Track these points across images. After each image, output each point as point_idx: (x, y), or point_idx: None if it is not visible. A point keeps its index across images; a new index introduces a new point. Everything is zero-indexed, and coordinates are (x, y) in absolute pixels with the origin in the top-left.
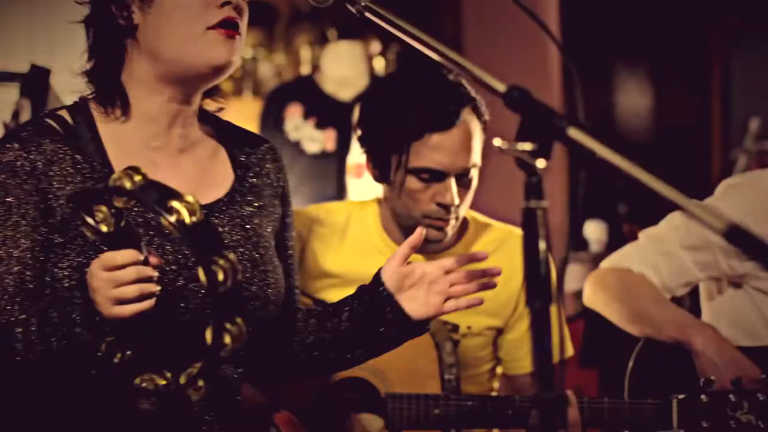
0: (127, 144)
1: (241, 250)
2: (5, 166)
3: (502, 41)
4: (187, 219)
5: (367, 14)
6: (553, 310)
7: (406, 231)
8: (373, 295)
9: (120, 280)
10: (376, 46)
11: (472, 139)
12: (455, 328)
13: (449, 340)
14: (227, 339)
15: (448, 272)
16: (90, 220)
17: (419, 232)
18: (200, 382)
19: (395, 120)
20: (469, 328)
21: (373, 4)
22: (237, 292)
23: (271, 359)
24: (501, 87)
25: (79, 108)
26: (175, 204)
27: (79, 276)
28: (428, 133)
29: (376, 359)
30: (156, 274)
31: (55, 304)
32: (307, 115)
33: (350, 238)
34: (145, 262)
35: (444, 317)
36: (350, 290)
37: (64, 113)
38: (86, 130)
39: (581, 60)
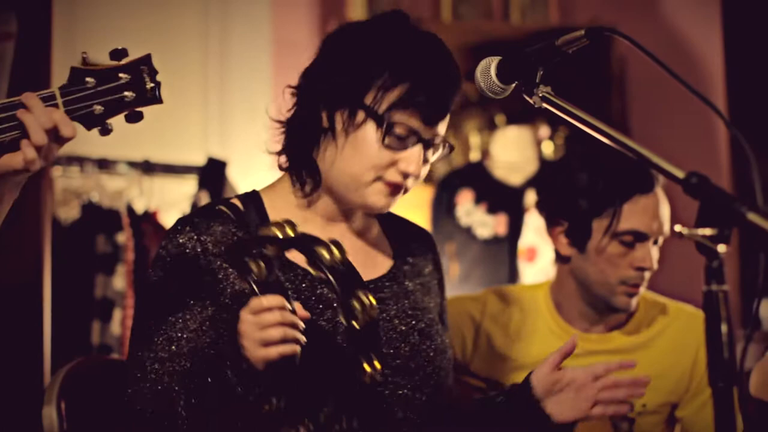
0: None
1: (406, 320)
2: (178, 249)
3: (668, 119)
4: (333, 260)
5: (545, 105)
6: (735, 391)
7: (592, 306)
8: (522, 398)
9: (265, 323)
10: (545, 131)
11: (664, 206)
12: (631, 407)
13: (625, 419)
14: (366, 377)
15: (596, 378)
16: (242, 271)
17: (572, 342)
18: (339, 425)
19: (605, 183)
20: (644, 406)
21: (550, 94)
22: (374, 331)
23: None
24: (680, 174)
25: (251, 196)
26: (323, 251)
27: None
28: (637, 195)
29: None
30: (302, 324)
31: (209, 365)
32: (478, 200)
33: (523, 320)
34: (293, 312)
35: None
36: (525, 373)
37: (236, 200)
38: (256, 215)
39: (750, 134)
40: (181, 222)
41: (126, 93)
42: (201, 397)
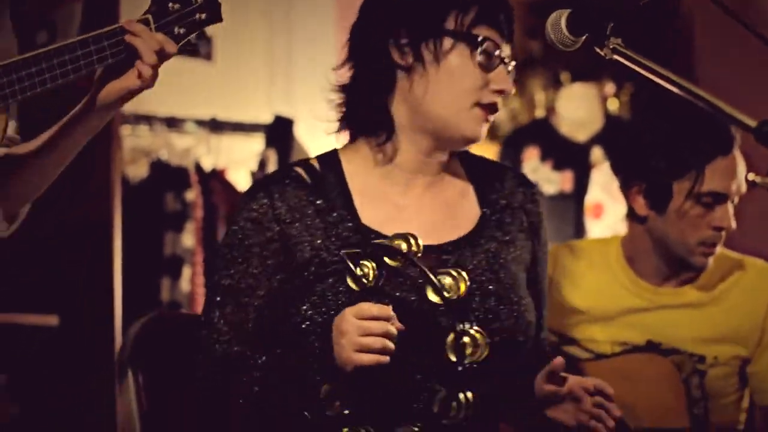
0: (373, 191)
1: (487, 285)
2: (250, 215)
3: (734, 69)
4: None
5: (616, 56)
6: None
7: (667, 263)
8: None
9: (369, 330)
10: (610, 88)
11: (741, 166)
12: (701, 359)
13: (696, 373)
14: (467, 350)
15: (591, 393)
16: (357, 271)
17: (559, 361)
18: (454, 407)
19: (687, 145)
20: (715, 358)
21: (621, 45)
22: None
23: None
24: (751, 122)
25: (329, 157)
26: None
27: (314, 322)
28: (719, 156)
29: (621, 395)
30: (395, 335)
31: (290, 344)
32: (544, 158)
33: (594, 274)
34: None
35: (690, 348)
36: (595, 326)
37: (313, 161)
38: (333, 178)
39: None
40: (256, 187)
41: (199, 15)
42: (273, 373)
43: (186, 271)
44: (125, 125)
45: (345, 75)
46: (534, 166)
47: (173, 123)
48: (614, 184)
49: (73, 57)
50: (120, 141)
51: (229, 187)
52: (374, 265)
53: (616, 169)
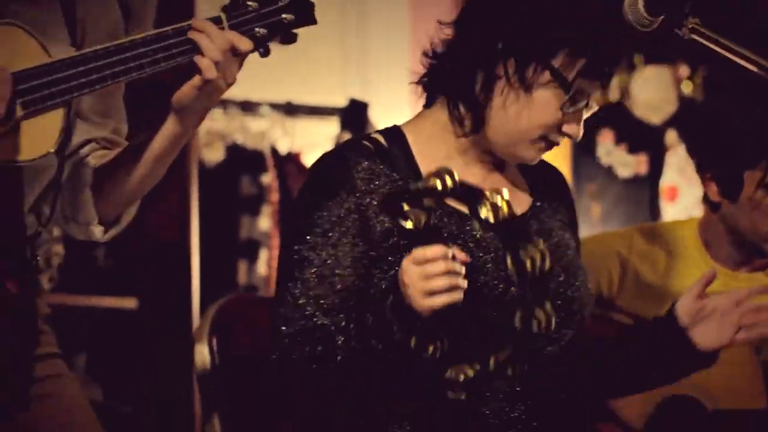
0: (439, 163)
1: (552, 258)
2: (327, 186)
3: None
4: (498, 214)
5: (694, 36)
6: None
7: (741, 249)
8: (667, 328)
9: (430, 274)
10: (684, 70)
11: None
12: None
13: None
14: (536, 324)
15: (738, 303)
16: (400, 219)
17: (713, 272)
18: (509, 370)
19: (759, 134)
20: None
21: (699, 25)
22: (545, 279)
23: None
24: None
25: (393, 132)
26: (484, 202)
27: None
28: None
29: (698, 376)
30: (463, 270)
31: (369, 308)
32: (618, 141)
33: (671, 257)
34: (453, 259)
35: None
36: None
37: (377, 136)
38: (399, 150)
39: None
40: (329, 156)
41: (285, 15)
42: (359, 338)
43: (263, 255)
44: None
45: (420, 60)
46: (608, 149)
47: (248, 106)
48: (689, 166)
49: (135, 55)
50: None
51: (304, 170)
52: (417, 208)
53: (691, 153)
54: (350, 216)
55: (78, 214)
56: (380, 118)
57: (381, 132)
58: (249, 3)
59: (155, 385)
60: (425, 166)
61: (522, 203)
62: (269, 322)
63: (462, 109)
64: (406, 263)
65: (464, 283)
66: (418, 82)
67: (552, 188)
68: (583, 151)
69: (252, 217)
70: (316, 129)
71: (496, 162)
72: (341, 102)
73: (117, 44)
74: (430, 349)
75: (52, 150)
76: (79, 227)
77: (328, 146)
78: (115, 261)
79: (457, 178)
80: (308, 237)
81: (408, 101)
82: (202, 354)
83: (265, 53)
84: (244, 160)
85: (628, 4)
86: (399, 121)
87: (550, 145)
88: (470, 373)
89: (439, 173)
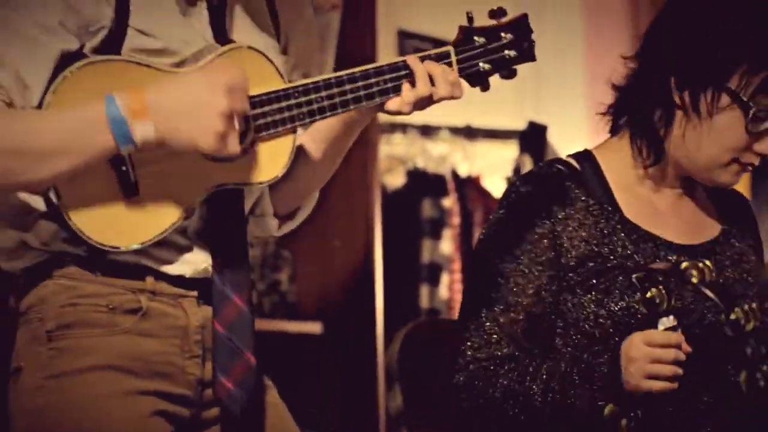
0: (631, 189)
1: (744, 283)
2: (521, 210)
3: None
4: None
5: None
6: None
7: None
8: None
9: (659, 358)
10: None
11: None
12: None
13: None
14: (762, 383)
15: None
16: (648, 294)
17: None
18: None
19: None
20: None
21: None
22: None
23: None
24: None
25: (584, 155)
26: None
27: (598, 316)
28: None
29: None
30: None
31: (572, 363)
32: None
33: None
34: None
35: None
36: None
37: (570, 159)
38: (593, 175)
39: None
40: (523, 179)
41: (508, 52)
42: (548, 383)
43: (444, 278)
44: (380, 134)
45: (597, 86)
46: None
47: (427, 131)
48: None
49: (362, 86)
50: (376, 150)
51: (484, 194)
52: (665, 290)
53: None
54: (542, 242)
55: (255, 207)
56: (559, 140)
57: (573, 156)
58: (476, 39)
59: (339, 408)
60: (619, 192)
61: (712, 228)
62: (453, 345)
63: (643, 141)
64: (638, 339)
65: (681, 374)
66: (604, 114)
67: (738, 211)
68: (764, 174)
69: (434, 240)
70: (495, 152)
71: (686, 186)
72: (520, 125)
73: (348, 73)
74: (623, 422)
75: (280, 175)
76: (255, 220)
77: (508, 169)
78: (301, 285)
79: (712, 272)
80: (498, 261)
81: (584, 125)
82: (392, 381)
83: (485, 89)
84: (425, 184)
85: None
86: (576, 144)
87: (744, 167)
88: None
89: (696, 264)
